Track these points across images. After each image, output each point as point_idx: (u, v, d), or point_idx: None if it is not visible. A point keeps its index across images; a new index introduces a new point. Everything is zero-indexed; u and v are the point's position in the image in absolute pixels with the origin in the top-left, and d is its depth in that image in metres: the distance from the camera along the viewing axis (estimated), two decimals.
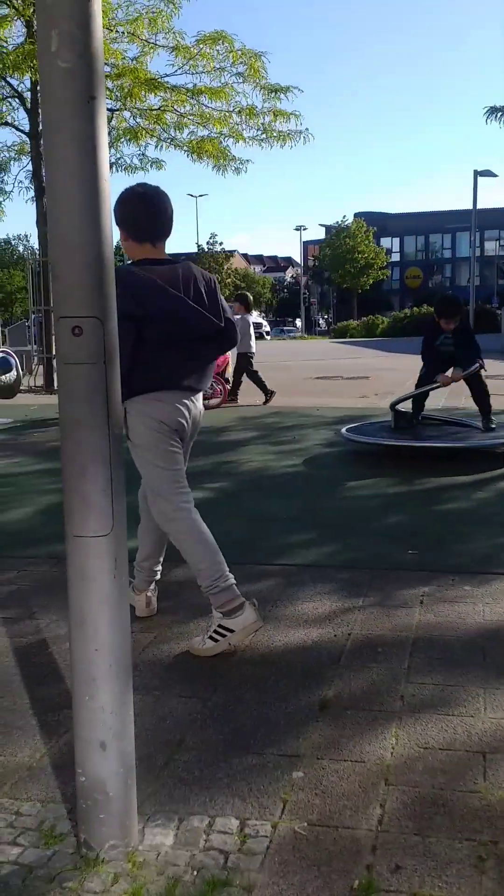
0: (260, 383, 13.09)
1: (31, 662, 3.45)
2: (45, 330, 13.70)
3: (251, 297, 13.83)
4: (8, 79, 13.77)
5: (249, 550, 4.99)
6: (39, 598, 4.25)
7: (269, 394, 13.07)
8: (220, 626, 3.49)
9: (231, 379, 13.46)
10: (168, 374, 3.55)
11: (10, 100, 14.51)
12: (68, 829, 2.27)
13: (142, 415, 3.55)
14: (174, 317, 3.48)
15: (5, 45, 13.29)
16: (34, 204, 14.39)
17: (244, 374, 13.20)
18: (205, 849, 2.20)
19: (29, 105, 14.02)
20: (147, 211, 3.59)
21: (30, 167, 14.90)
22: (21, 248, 79.81)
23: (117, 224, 3.62)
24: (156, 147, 14.92)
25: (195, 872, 2.10)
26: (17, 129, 14.87)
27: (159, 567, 4.01)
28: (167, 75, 14.03)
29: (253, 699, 3.08)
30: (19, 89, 14.16)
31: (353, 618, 3.86)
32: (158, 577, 4.01)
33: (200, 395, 3.75)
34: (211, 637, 3.50)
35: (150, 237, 3.62)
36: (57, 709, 3.03)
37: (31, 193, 14.84)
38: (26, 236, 79.54)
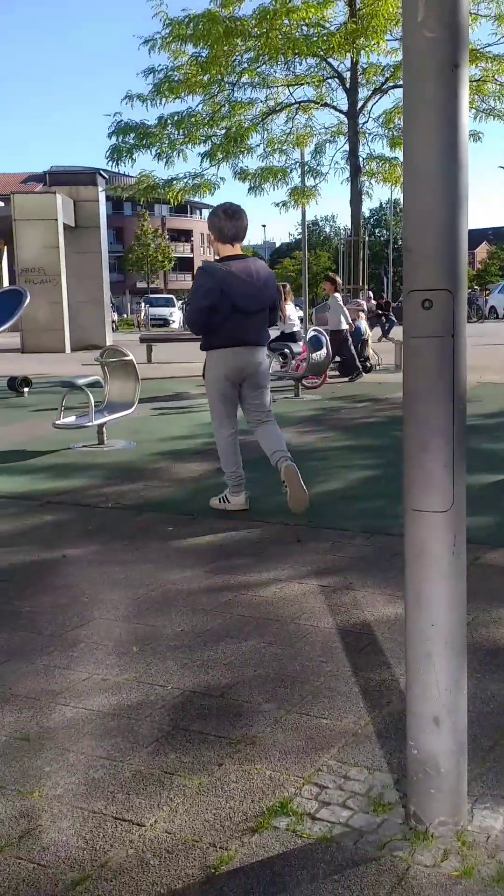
0: (352, 360, 13.82)
1: (351, 632, 3.52)
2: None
3: (339, 278, 15.60)
4: (329, 60, 14.00)
5: None
6: (355, 570, 4.33)
7: (356, 373, 13.80)
8: (226, 495, 5.59)
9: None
10: (235, 334, 5.30)
11: (329, 81, 14.77)
12: (396, 800, 2.30)
13: (214, 363, 5.40)
14: (241, 295, 5.23)
15: (329, 26, 13.51)
16: (349, 184, 14.56)
17: (350, 349, 13.83)
18: None
19: (348, 85, 14.17)
20: (229, 222, 5.33)
21: (346, 147, 15.10)
22: (328, 229, 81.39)
23: (209, 229, 5.45)
24: (474, 119, 14.53)
25: None
26: (336, 109, 15.10)
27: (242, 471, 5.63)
28: (488, 45, 13.60)
29: None
30: (339, 69, 14.36)
31: None
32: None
33: (262, 349, 5.49)
34: (220, 499, 5.62)
35: (230, 240, 5.36)
36: (378, 678, 3.07)
37: (347, 174, 15.04)
38: (333, 217, 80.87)
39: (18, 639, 3.54)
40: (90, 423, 7.91)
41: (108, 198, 26.22)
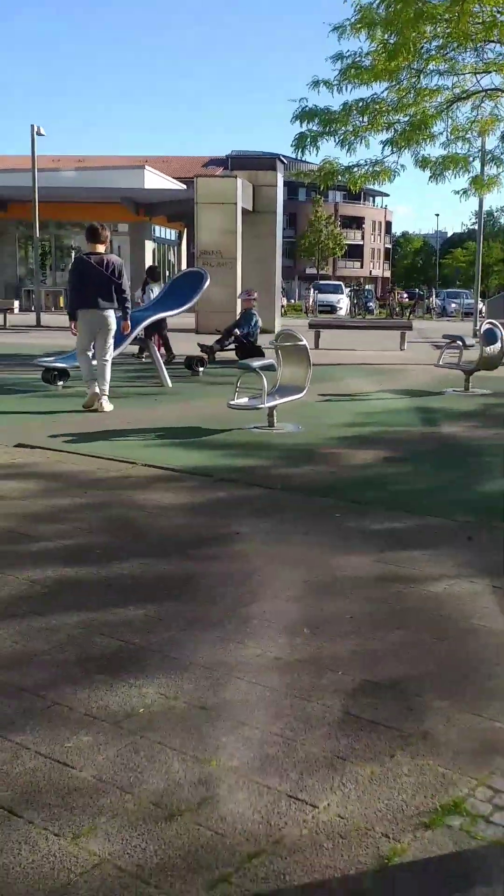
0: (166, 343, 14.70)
1: None
2: None
3: (158, 271, 17.96)
4: None
5: None
6: None
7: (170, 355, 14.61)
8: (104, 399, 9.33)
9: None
10: (88, 300, 9.21)
11: None
12: None
13: (81, 316, 9.34)
14: (92, 276, 9.17)
15: None
16: None
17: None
18: None
19: None
20: (102, 232, 9.50)
21: None
22: (503, 220, 78.98)
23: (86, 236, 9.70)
24: None
25: None
26: None
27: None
28: None
29: None
30: None
31: None
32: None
33: (105, 310, 9.24)
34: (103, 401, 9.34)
35: (92, 242, 9.42)
36: None
37: None
38: None
39: (196, 609, 3.64)
40: (262, 406, 8.01)
41: (284, 183, 26.30)
